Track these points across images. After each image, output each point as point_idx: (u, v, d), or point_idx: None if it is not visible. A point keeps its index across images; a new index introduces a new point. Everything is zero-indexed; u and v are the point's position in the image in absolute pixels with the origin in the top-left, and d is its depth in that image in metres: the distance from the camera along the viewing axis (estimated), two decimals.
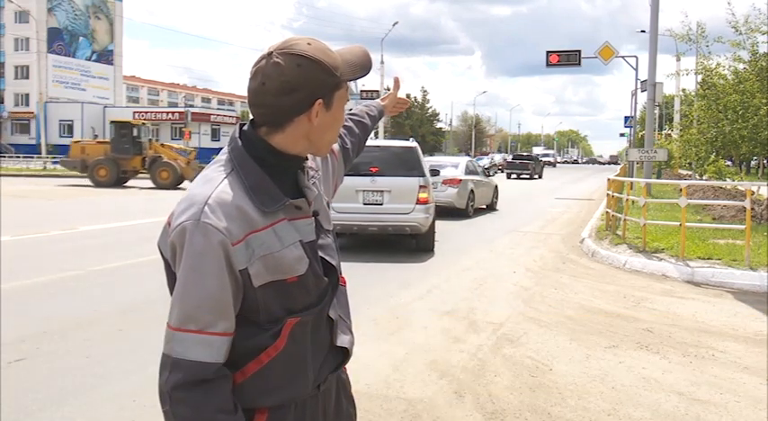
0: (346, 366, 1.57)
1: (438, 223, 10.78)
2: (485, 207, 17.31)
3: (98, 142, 28.33)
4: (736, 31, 13.67)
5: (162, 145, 27.74)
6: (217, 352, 1.26)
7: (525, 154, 51.04)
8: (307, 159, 1.44)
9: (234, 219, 1.26)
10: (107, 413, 3.80)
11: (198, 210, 1.26)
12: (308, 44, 1.32)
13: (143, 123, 27.81)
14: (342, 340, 1.48)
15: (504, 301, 6.82)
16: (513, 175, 40.37)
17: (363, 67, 1.40)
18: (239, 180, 1.31)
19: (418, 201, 9.73)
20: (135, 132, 26.46)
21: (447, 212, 14.54)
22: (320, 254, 1.42)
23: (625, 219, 10.68)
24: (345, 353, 1.50)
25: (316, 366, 1.40)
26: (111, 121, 28.98)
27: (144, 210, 16.53)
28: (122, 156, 25.96)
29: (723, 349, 5.17)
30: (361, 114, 1.96)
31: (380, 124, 50.08)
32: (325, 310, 1.42)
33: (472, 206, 15.84)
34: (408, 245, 10.34)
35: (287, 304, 1.34)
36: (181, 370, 1.24)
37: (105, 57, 67.51)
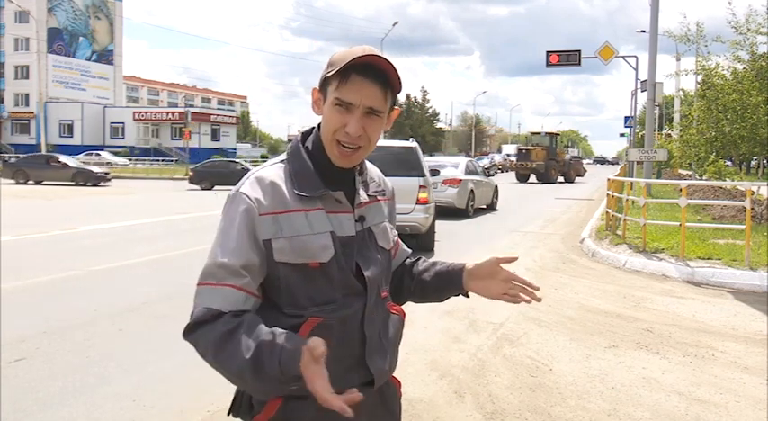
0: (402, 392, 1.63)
1: (438, 223, 10.78)
2: (485, 207, 17.31)
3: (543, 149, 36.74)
4: (737, 31, 13.68)
5: (560, 151, 38.03)
6: (225, 301, 1.33)
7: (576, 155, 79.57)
8: (357, 169, 1.49)
9: (267, 193, 1.38)
10: (107, 413, 3.80)
11: (241, 184, 1.42)
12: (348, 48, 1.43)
13: (558, 134, 40.69)
14: (373, 362, 1.46)
15: (505, 301, 6.81)
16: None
17: (340, 61, 1.38)
18: (287, 166, 1.45)
19: (418, 201, 9.74)
20: (554, 142, 37.49)
21: (447, 212, 14.54)
22: (357, 259, 1.45)
23: (625, 219, 10.68)
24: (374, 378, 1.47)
25: (336, 374, 1.32)
26: (533, 133, 41.97)
27: (144, 210, 16.53)
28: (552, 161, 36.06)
29: (723, 349, 5.17)
30: (428, 279, 1.69)
31: None
32: (354, 319, 1.42)
33: (472, 206, 15.84)
34: (408, 245, 10.30)
35: (309, 291, 1.38)
36: (194, 316, 1.34)
37: (105, 57, 67.56)
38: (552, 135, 39.04)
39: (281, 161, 1.47)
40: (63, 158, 29.23)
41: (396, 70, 1.41)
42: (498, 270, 1.59)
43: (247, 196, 1.38)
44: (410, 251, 1.77)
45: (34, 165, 28.51)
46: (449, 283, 1.63)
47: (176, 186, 28.23)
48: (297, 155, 1.46)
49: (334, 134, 1.41)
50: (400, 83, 1.44)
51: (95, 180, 27.58)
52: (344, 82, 1.38)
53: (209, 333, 1.30)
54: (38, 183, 27.59)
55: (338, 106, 1.39)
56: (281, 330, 1.28)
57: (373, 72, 1.38)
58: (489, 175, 18.60)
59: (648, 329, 5.71)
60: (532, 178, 36.06)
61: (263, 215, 1.36)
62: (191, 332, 1.33)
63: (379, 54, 1.38)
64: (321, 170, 1.43)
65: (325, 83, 1.42)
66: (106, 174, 28.79)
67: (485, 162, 43.86)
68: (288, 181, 1.41)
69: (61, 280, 7.52)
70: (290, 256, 1.37)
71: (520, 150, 37.61)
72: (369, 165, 1.58)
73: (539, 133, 40.87)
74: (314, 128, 1.50)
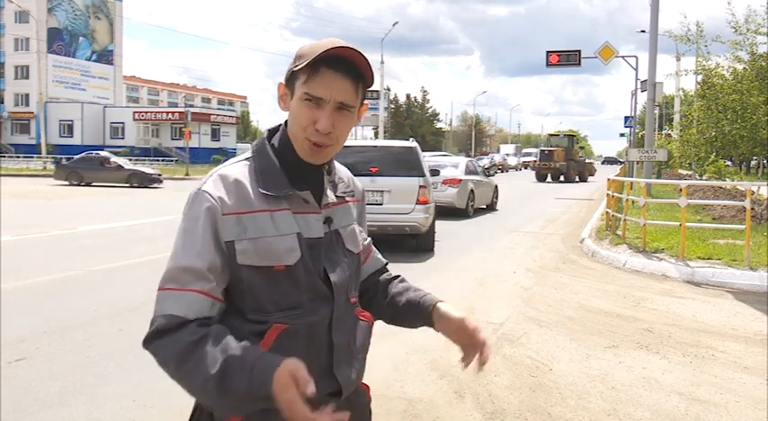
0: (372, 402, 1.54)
1: (438, 223, 10.78)
2: (485, 207, 17.31)
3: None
4: (736, 31, 13.70)
5: (575, 152, 39.49)
6: (190, 308, 1.25)
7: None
8: (325, 168, 1.43)
9: (231, 192, 1.32)
10: (107, 413, 3.80)
11: (204, 181, 1.35)
12: (316, 40, 1.38)
13: (575, 135, 42.39)
14: (341, 371, 1.39)
15: (504, 301, 6.81)
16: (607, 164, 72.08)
17: (310, 54, 1.32)
18: (252, 163, 1.38)
19: (418, 201, 9.72)
20: (572, 143, 39.41)
21: (447, 212, 14.54)
22: (324, 263, 1.38)
23: (625, 219, 10.68)
24: (340, 388, 1.40)
25: None
26: (551, 135, 44.14)
27: (144, 210, 16.53)
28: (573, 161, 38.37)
29: (723, 349, 5.17)
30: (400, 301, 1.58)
31: (380, 124, 49.82)
32: (321, 325, 1.36)
33: (472, 206, 15.84)
34: (408, 245, 10.34)
35: (274, 295, 1.32)
36: (155, 323, 1.25)
37: (105, 57, 67.52)
38: (570, 136, 41.33)
39: (246, 159, 1.40)
40: (116, 160, 28.63)
41: (368, 63, 1.34)
42: (465, 335, 1.50)
43: (210, 195, 1.31)
44: (384, 262, 1.69)
45: (89, 166, 27.81)
46: (419, 316, 1.56)
47: (176, 186, 28.23)
48: (263, 152, 1.39)
49: (303, 131, 1.34)
50: (372, 76, 1.37)
51: (149, 181, 27.13)
52: (314, 76, 1.31)
53: (172, 343, 1.23)
54: (88, 184, 26.99)
55: (307, 101, 1.32)
56: (251, 345, 1.22)
57: (345, 65, 1.32)
58: (489, 175, 18.59)
59: (648, 329, 5.71)
60: (547, 178, 37.74)
61: (227, 215, 1.30)
62: (151, 341, 1.25)
63: (351, 46, 1.31)
64: (288, 169, 1.37)
65: (292, 77, 1.35)
66: (159, 175, 28.24)
67: (485, 162, 44.04)
68: (253, 179, 1.35)
69: (61, 280, 7.52)
70: (253, 259, 1.30)
71: (542, 151, 38.88)
72: (338, 165, 1.52)
73: (557, 135, 43.05)
74: (281, 124, 1.44)
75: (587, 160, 47.30)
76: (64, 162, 30.11)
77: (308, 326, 1.33)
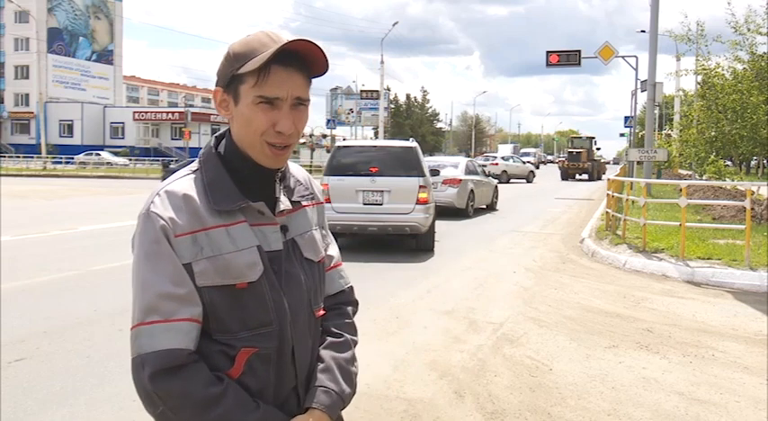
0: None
1: (438, 223, 10.78)
2: (485, 207, 17.32)
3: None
4: (736, 31, 13.70)
5: (593, 152, 41.80)
6: (187, 337, 1.20)
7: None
8: (278, 172, 1.35)
9: (181, 210, 1.24)
10: (107, 413, 3.80)
11: (150, 201, 1.27)
12: (245, 36, 1.29)
13: (594, 137, 43.59)
14: (309, 389, 1.36)
15: (504, 301, 6.82)
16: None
17: (250, 52, 1.24)
18: (200, 177, 1.30)
19: (418, 201, 9.72)
20: (592, 144, 41.87)
21: (447, 212, 14.54)
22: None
23: (625, 219, 10.68)
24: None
25: (276, 403, 1.30)
26: (574, 137, 46.79)
27: None
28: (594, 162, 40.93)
29: (723, 349, 5.17)
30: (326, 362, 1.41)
31: (380, 124, 49.95)
32: (289, 345, 1.31)
33: (472, 206, 15.84)
34: (408, 245, 10.34)
35: (239, 315, 1.25)
36: (153, 361, 1.18)
37: (105, 57, 67.59)
38: (590, 138, 43.98)
39: (193, 171, 1.31)
40: None
41: (323, 53, 1.25)
42: None
43: (159, 216, 1.23)
44: (344, 287, 1.52)
45: None
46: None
47: None
48: (210, 162, 1.30)
49: (261, 136, 1.25)
50: (327, 64, 1.28)
51: None
52: (266, 76, 1.23)
53: (190, 385, 1.17)
54: None
55: (262, 104, 1.24)
56: (273, 412, 1.24)
57: (296, 59, 1.24)
58: (488, 176, 18.53)
59: (648, 329, 5.71)
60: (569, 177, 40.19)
61: (180, 236, 1.22)
62: (161, 379, 1.17)
63: (302, 38, 1.23)
64: (238, 178, 1.29)
65: (234, 80, 1.26)
66: None
67: (530, 160, 44.84)
68: (202, 193, 1.26)
69: (61, 280, 7.52)
70: (213, 279, 1.22)
71: (570, 152, 40.99)
72: (293, 167, 1.44)
73: (580, 137, 46.00)
74: (227, 131, 1.34)
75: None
76: (172, 166, 30.58)
77: (277, 347, 1.29)
